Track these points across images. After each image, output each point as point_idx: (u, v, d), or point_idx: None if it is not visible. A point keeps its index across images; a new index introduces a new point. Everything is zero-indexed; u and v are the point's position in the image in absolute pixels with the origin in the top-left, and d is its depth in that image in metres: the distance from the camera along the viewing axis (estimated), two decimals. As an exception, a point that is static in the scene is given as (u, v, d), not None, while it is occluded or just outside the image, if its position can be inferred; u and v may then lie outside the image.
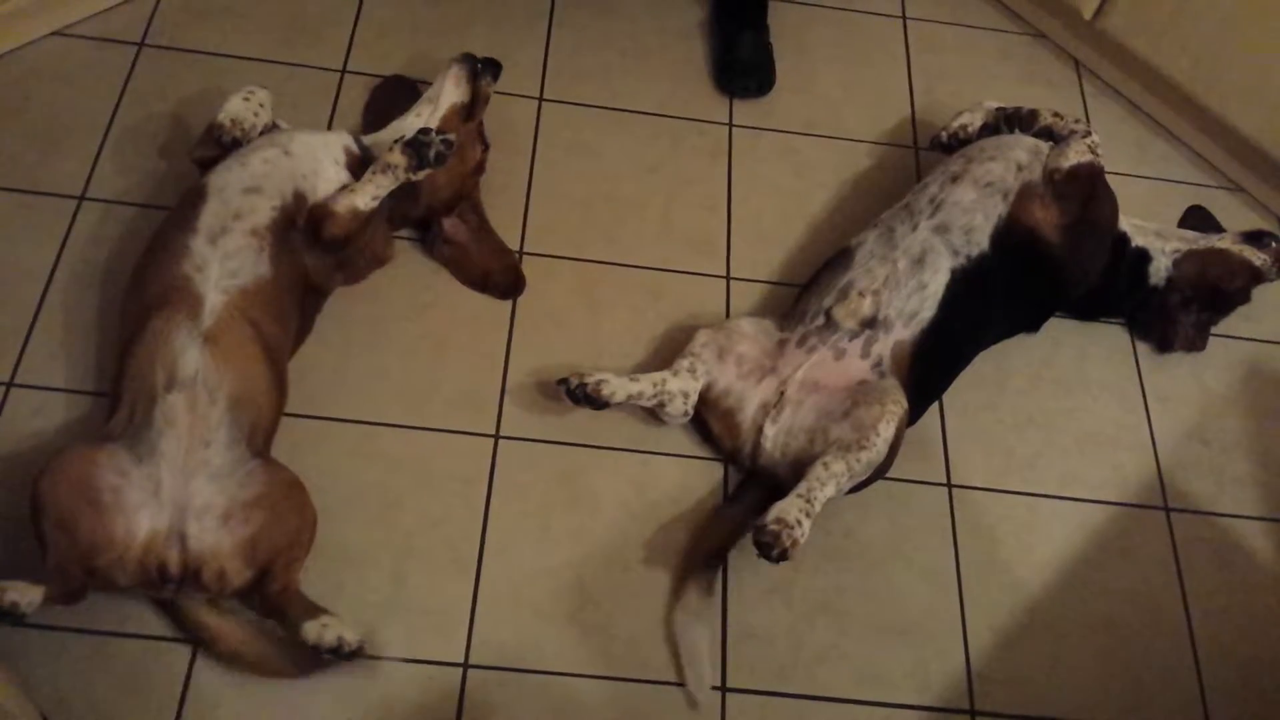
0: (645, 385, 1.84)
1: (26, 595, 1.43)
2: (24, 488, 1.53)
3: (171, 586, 1.55)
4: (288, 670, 1.61)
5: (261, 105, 1.84)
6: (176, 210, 1.75)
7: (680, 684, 1.71)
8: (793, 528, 1.61)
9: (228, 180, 1.73)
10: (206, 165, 1.80)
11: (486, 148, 2.02)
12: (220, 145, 1.80)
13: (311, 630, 1.57)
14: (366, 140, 1.91)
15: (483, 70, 1.98)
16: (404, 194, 1.90)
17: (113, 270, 1.91)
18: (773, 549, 1.60)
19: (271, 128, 1.87)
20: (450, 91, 1.94)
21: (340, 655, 1.57)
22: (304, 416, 1.84)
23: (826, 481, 1.68)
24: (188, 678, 1.62)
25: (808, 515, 1.64)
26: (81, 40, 2.18)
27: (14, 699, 1.44)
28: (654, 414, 1.90)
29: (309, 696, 1.62)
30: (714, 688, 1.73)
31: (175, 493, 1.53)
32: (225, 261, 1.65)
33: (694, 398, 1.86)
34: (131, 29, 2.21)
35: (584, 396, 1.81)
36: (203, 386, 1.57)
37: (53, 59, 2.15)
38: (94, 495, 1.50)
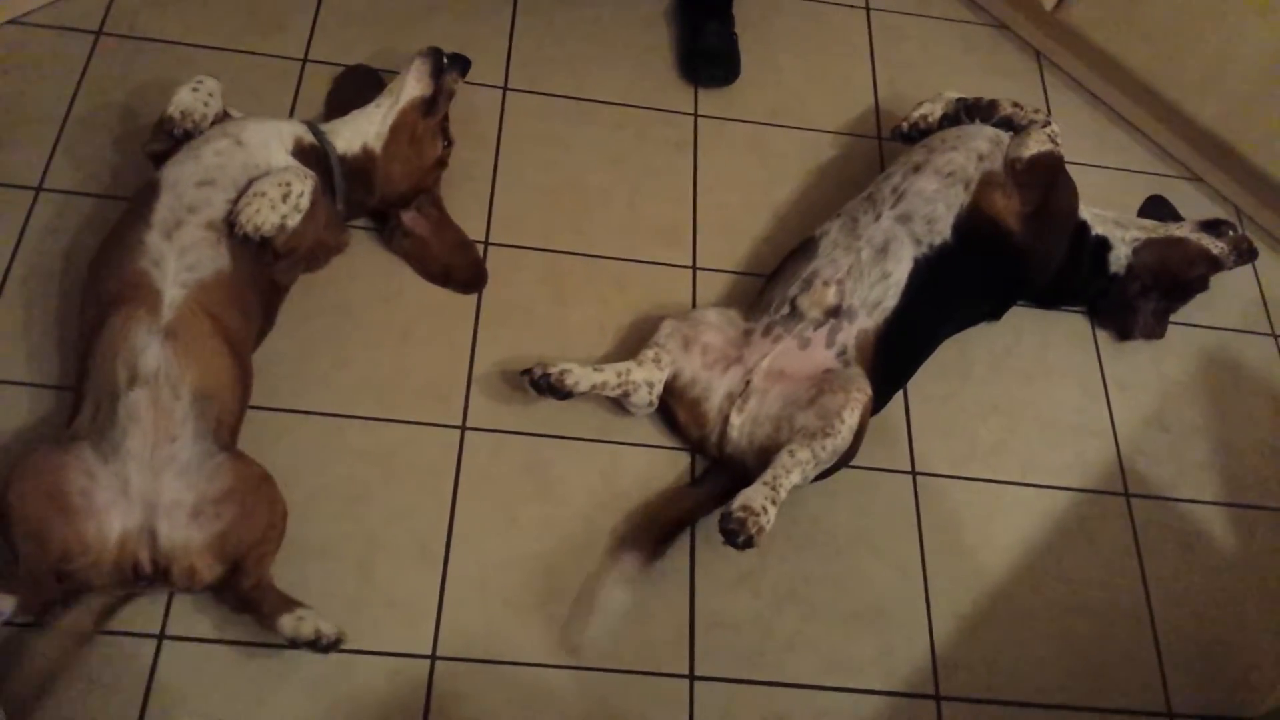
0: (609, 375, 1.84)
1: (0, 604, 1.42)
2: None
3: (143, 584, 1.53)
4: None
5: (211, 95, 1.81)
6: (131, 205, 1.72)
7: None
8: (758, 515, 1.62)
9: (180, 174, 1.70)
10: (160, 158, 1.77)
11: (450, 144, 2.01)
12: (172, 138, 1.77)
13: (288, 624, 1.56)
14: (323, 128, 1.89)
15: (449, 65, 1.96)
16: (358, 185, 1.89)
17: (72, 262, 1.89)
18: (738, 536, 1.61)
19: (223, 116, 1.84)
20: (412, 85, 1.92)
21: (317, 648, 1.56)
22: (268, 409, 1.82)
23: (792, 469, 1.69)
24: (152, 671, 1.60)
25: (773, 503, 1.65)
26: (38, 29, 2.15)
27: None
28: (620, 404, 1.90)
29: (276, 689, 1.62)
30: (682, 675, 1.73)
31: (144, 490, 1.52)
32: (182, 256, 1.63)
33: (659, 388, 1.87)
34: (89, 17, 2.18)
35: (548, 386, 1.81)
36: (165, 382, 1.55)
37: (9, 48, 2.11)
38: (63, 500, 1.49)
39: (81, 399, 1.59)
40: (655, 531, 1.80)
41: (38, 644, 1.55)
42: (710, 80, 2.38)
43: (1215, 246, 2.16)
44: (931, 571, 1.89)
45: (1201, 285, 2.21)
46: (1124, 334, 2.21)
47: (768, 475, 1.68)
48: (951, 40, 2.60)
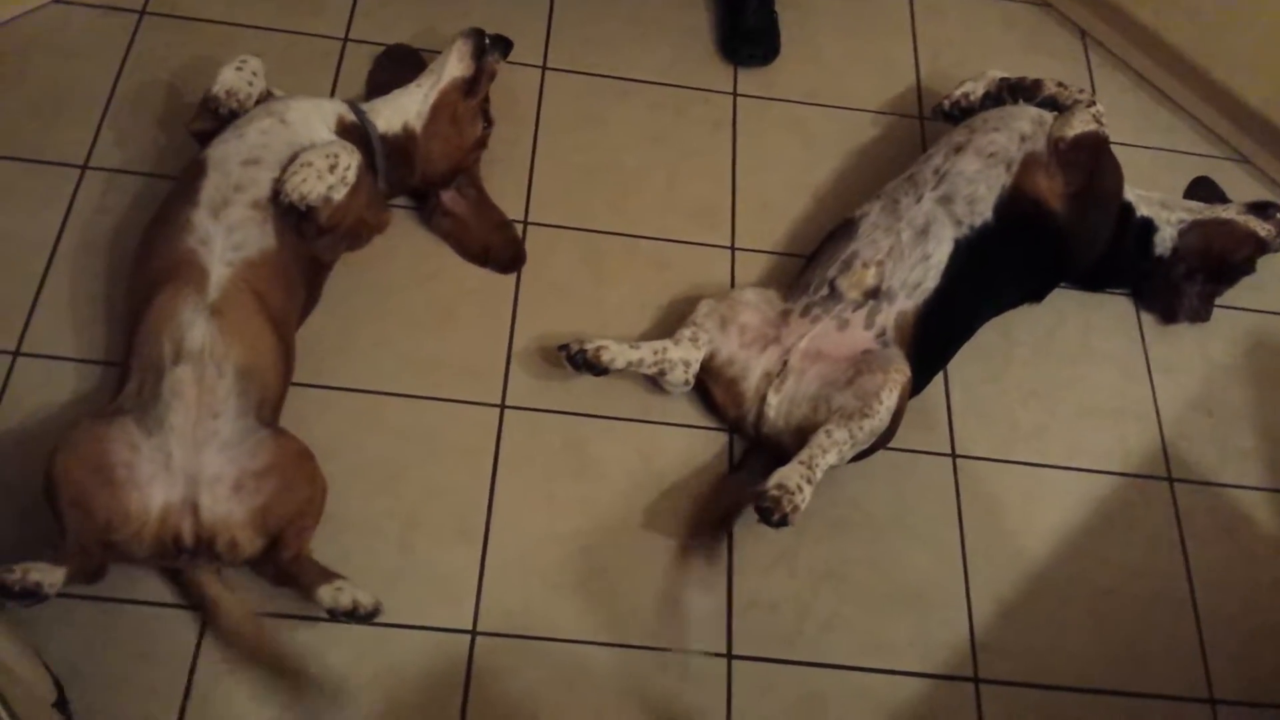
0: (646, 353, 1.84)
1: (49, 576, 1.43)
2: (37, 458, 1.54)
3: (185, 557, 1.55)
4: (280, 656, 1.61)
5: (255, 74, 1.82)
6: (178, 184, 1.74)
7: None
8: (794, 494, 1.62)
9: (226, 153, 1.72)
10: (204, 137, 1.79)
11: (490, 124, 2.01)
12: (216, 117, 1.78)
13: (326, 594, 1.58)
14: (364, 107, 1.90)
15: (490, 46, 1.96)
16: (398, 163, 1.89)
17: (118, 239, 1.91)
18: (773, 514, 1.61)
19: (266, 96, 1.85)
20: (453, 66, 1.92)
21: (356, 618, 1.58)
22: (310, 386, 1.84)
23: (829, 449, 1.69)
24: (198, 645, 1.63)
25: (809, 481, 1.64)
26: (82, 8, 2.17)
27: (28, 666, 1.45)
28: (656, 383, 1.90)
29: (318, 662, 1.63)
30: (719, 655, 1.74)
31: (186, 464, 1.54)
32: (229, 234, 1.65)
33: (695, 367, 1.86)
34: (133, -3, 2.20)
35: (584, 362, 1.81)
36: (210, 359, 1.57)
37: (54, 27, 2.14)
38: (107, 471, 1.51)
39: (127, 374, 1.61)
40: (712, 528, 1.80)
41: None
42: (750, 59, 2.37)
43: (1262, 229, 2.13)
44: (971, 554, 1.88)
45: (1248, 268, 2.18)
46: (1169, 317, 2.18)
47: (804, 455, 1.68)
48: (994, 18, 2.57)
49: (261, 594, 1.66)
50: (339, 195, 1.69)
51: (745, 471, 1.86)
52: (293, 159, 1.70)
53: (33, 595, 1.42)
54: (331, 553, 1.68)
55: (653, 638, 1.73)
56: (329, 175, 1.68)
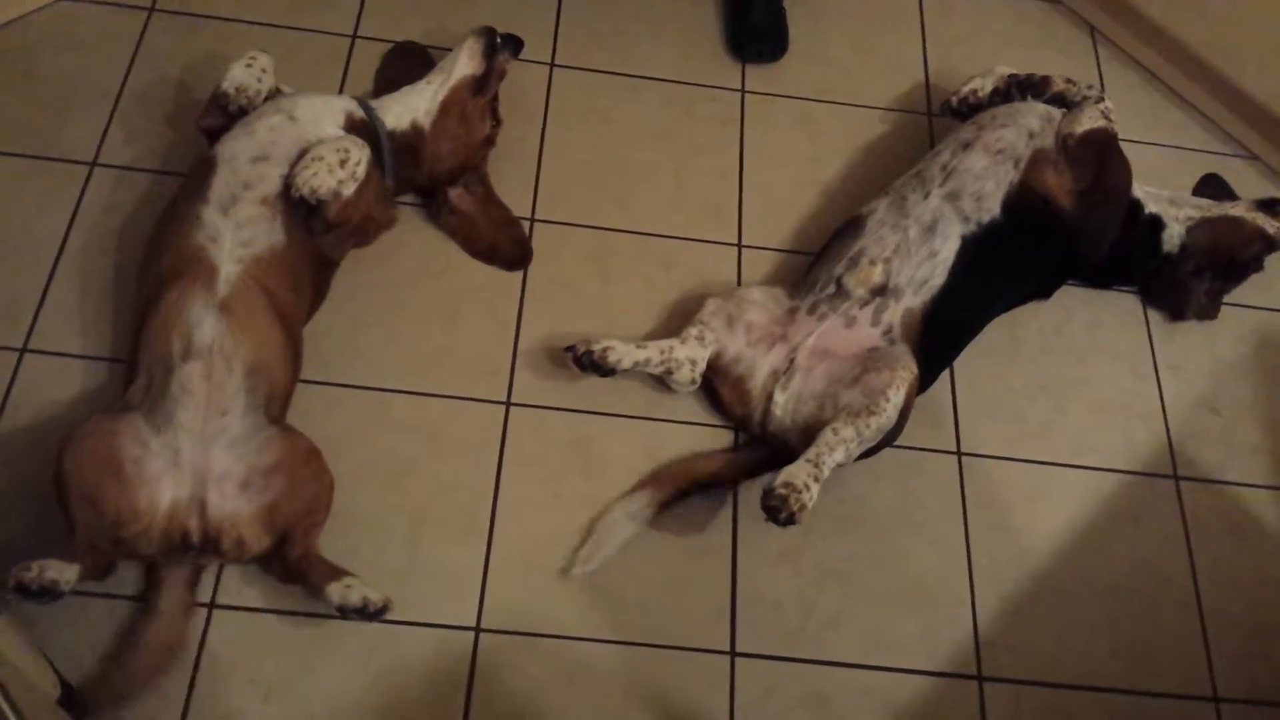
0: (652, 352, 1.84)
1: (65, 573, 1.45)
2: (45, 455, 1.55)
3: (193, 554, 1.56)
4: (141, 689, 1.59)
5: (264, 71, 1.82)
6: (187, 180, 1.75)
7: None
8: (800, 492, 1.62)
9: (236, 149, 1.73)
10: (213, 134, 1.80)
11: (498, 123, 2.01)
12: (226, 114, 1.79)
13: (336, 592, 1.58)
14: (373, 103, 1.90)
15: (502, 46, 1.96)
16: (406, 161, 1.90)
17: (126, 236, 1.92)
18: (780, 512, 1.61)
19: (275, 92, 1.86)
20: (464, 63, 1.93)
21: (365, 615, 1.58)
22: (317, 383, 1.84)
23: (835, 447, 1.69)
24: (203, 640, 1.64)
25: (816, 480, 1.64)
26: (91, 5, 2.17)
27: (31, 661, 1.46)
28: (663, 382, 1.90)
29: (324, 658, 1.64)
30: (723, 652, 1.74)
31: (195, 461, 1.55)
32: (238, 231, 1.65)
33: (701, 365, 1.87)
34: (142, -7, 2.21)
35: (591, 363, 1.82)
36: (219, 355, 1.58)
37: (63, 24, 2.14)
38: (116, 467, 1.52)
39: (135, 371, 1.62)
40: (677, 480, 1.82)
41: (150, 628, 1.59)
42: (758, 56, 2.36)
43: (1271, 226, 2.12)
44: (976, 552, 1.88)
45: (1256, 266, 2.17)
46: (1176, 314, 2.18)
47: (811, 453, 1.68)
48: (1003, 15, 2.56)
49: (265, 590, 1.67)
50: (349, 190, 1.70)
51: (738, 452, 1.88)
52: (302, 155, 1.70)
53: (50, 593, 1.43)
54: (339, 549, 1.69)
55: (657, 635, 1.74)
56: (339, 170, 1.68)
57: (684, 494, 1.82)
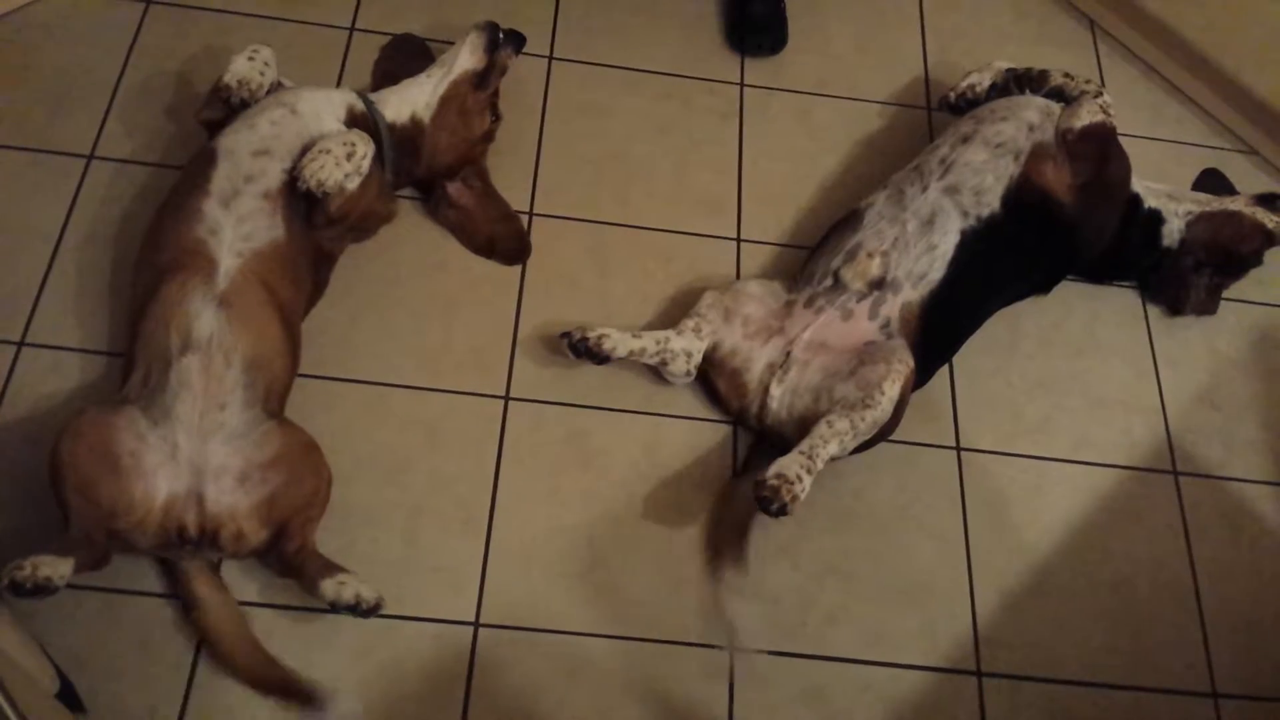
0: (648, 342, 1.84)
1: (58, 569, 1.43)
2: (42, 448, 1.54)
3: (189, 548, 1.56)
4: (263, 664, 1.60)
5: (267, 64, 1.82)
6: (187, 173, 1.74)
7: (705, 645, 1.74)
8: (793, 483, 1.62)
9: (237, 143, 1.72)
10: (213, 127, 1.79)
11: (498, 119, 2.00)
12: (227, 106, 1.78)
13: (329, 588, 1.58)
14: (372, 97, 1.90)
15: (504, 41, 1.96)
16: (405, 154, 1.89)
17: (124, 229, 1.91)
18: (772, 503, 1.61)
19: (276, 86, 1.85)
20: (465, 58, 1.92)
21: (357, 612, 1.58)
22: (315, 377, 1.84)
23: (829, 439, 1.68)
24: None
25: (809, 471, 1.64)
26: (89, -3, 2.17)
27: (30, 656, 1.46)
28: (659, 374, 1.90)
29: (322, 652, 1.64)
30: (720, 647, 1.74)
31: (192, 455, 1.54)
32: (239, 225, 1.65)
33: (697, 358, 1.87)
34: (139, -14, 2.20)
35: (585, 350, 1.82)
36: (218, 349, 1.57)
37: (61, 16, 2.13)
38: (113, 459, 1.51)
39: (133, 364, 1.62)
40: (735, 539, 1.78)
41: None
42: (757, 49, 2.36)
43: (1270, 221, 2.12)
44: (975, 548, 1.88)
45: (1256, 260, 2.17)
46: (1175, 309, 2.18)
47: (804, 445, 1.68)
48: (1003, 9, 2.55)
49: (263, 585, 1.67)
50: (353, 185, 1.70)
51: (750, 474, 1.86)
52: (304, 149, 1.70)
53: (43, 590, 1.42)
54: (337, 543, 1.69)
55: (655, 629, 1.74)
56: (346, 163, 1.68)
57: (747, 542, 1.77)
